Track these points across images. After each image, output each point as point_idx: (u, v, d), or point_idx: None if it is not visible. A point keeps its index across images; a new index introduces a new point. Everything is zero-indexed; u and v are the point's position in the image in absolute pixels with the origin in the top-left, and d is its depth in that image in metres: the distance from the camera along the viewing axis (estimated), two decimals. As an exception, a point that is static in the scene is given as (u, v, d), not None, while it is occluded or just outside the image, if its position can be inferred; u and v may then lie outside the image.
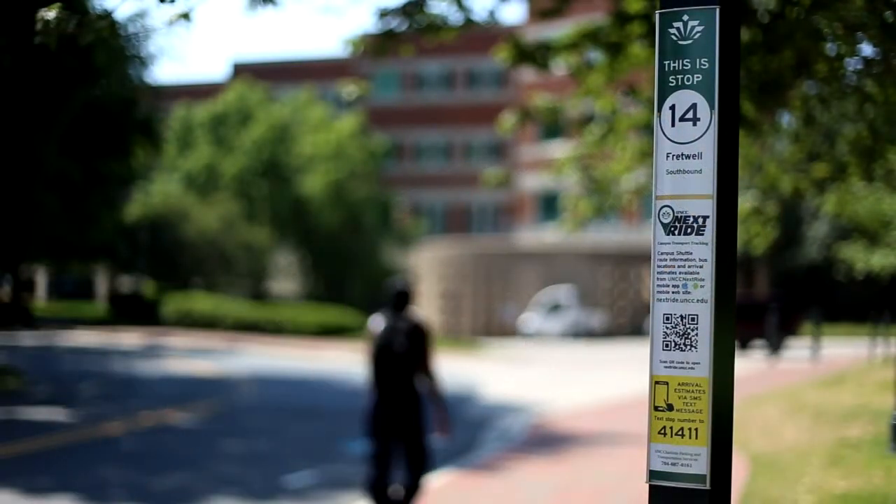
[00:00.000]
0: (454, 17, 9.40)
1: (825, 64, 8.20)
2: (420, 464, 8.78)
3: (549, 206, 53.68)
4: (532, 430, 16.22)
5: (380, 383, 8.62)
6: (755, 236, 13.17)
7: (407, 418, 8.65)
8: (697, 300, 2.76)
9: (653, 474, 2.81)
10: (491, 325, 47.15)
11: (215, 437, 15.51)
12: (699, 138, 2.77)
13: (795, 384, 21.35)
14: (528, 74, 49.74)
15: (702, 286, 2.75)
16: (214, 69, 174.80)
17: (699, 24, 2.77)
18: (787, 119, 12.73)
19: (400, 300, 8.71)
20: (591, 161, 12.94)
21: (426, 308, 47.67)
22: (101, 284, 60.42)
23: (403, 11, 9.19)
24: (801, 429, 14.48)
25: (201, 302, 48.48)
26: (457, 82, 66.14)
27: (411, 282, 8.58)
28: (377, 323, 8.72)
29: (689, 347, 2.77)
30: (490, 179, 14.26)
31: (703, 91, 2.76)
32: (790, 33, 7.60)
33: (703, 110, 2.77)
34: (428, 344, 8.69)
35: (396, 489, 8.78)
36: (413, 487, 8.79)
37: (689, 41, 2.78)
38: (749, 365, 26.02)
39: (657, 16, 2.83)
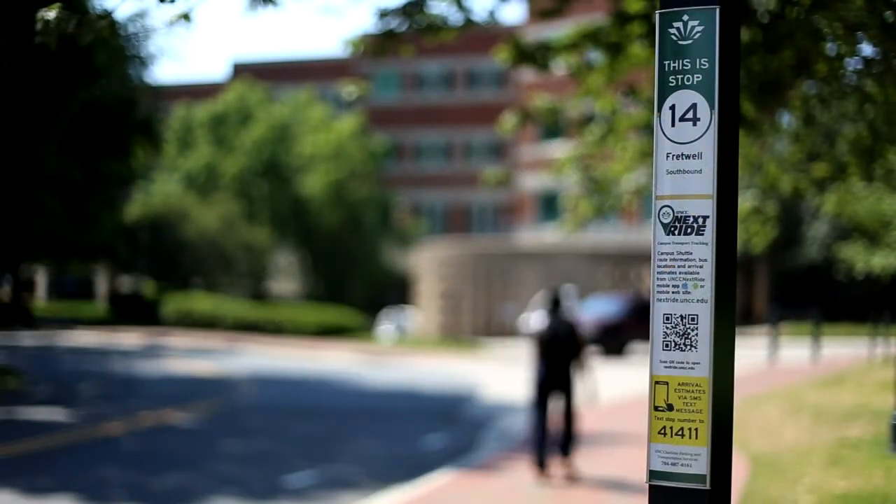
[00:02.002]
0: (454, 17, 9.40)
1: (825, 64, 8.20)
2: (571, 422, 11.68)
3: (549, 206, 53.67)
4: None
5: (548, 364, 11.60)
6: (755, 236, 13.17)
7: (566, 388, 11.62)
8: (697, 300, 2.76)
9: (653, 474, 2.81)
10: (491, 325, 47.13)
11: (215, 437, 15.51)
12: (699, 138, 2.77)
13: (795, 384, 21.35)
14: (528, 75, 49.73)
15: (702, 286, 2.75)
16: (214, 69, 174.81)
17: (699, 24, 2.77)
18: (787, 119, 12.73)
19: (557, 303, 11.73)
20: (591, 161, 12.93)
21: (426, 308, 47.67)
22: (101, 284, 60.42)
23: (403, 12, 9.19)
24: (801, 429, 14.48)
25: (201, 302, 48.47)
26: (457, 82, 66.13)
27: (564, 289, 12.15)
28: (540, 319, 11.75)
29: (689, 347, 2.77)
30: (490, 179, 14.24)
31: (703, 91, 2.76)
32: (790, 33, 7.60)
33: (703, 110, 2.77)
34: (580, 337, 11.69)
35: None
36: (568, 437, 11.68)
37: (689, 41, 2.78)
38: (749, 365, 26.02)
39: (657, 16, 2.83)
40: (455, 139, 66.15)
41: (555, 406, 11.72)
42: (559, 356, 11.62)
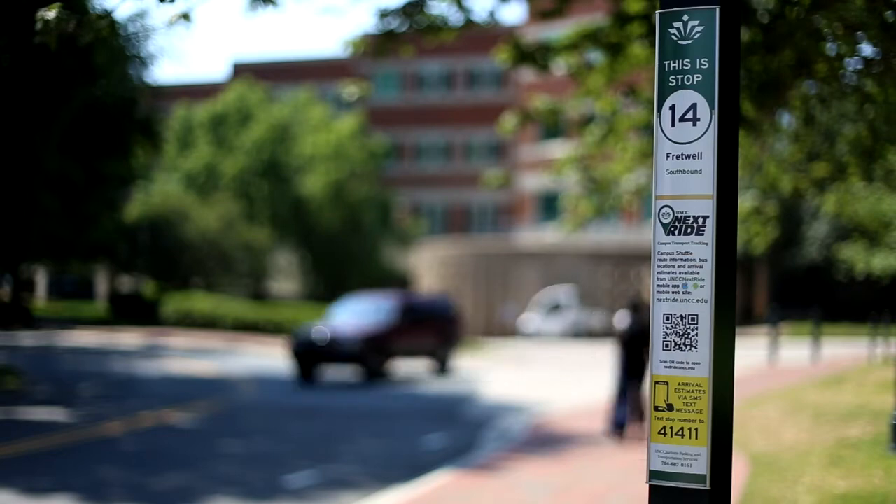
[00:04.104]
0: (454, 17, 9.41)
1: (825, 64, 8.20)
2: (639, 407, 14.54)
3: (549, 206, 53.69)
4: (532, 430, 16.22)
5: (626, 357, 14.48)
6: (755, 236, 13.18)
7: (637, 378, 14.42)
8: (697, 300, 2.76)
9: (653, 474, 2.81)
10: (491, 325, 47.15)
11: (215, 437, 15.50)
12: (699, 138, 2.77)
13: (795, 384, 21.35)
14: (528, 75, 49.74)
15: (702, 286, 2.75)
16: (214, 69, 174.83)
17: (699, 24, 2.77)
18: (787, 119, 12.73)
19: (635, 307, 14.73)
20: (591, 161, 12.94)
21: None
22: (101, 284, 60.40)
23: (403, 12, 9.19)
24: (801, 429, 14.48)
25: (201, 302, 48.45)
26: (457, 82, 66.14)
27: (642, 295, 16.42)
28: (623, 319, 14.77)
29: (689, 347, 2.77)
30: (491, 181, 14.24)
31: (703, 91, 2.76)
32: (790, 33, 7.60)
33: (703, 110, 2.77)
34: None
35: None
36: (637, 417, 14.54)
37: (689, 41, 2.78)
38: (749, 365, 26.03)
39: (657, 16, 2.83)
40: (455, 139, 66.16)
41: (632, 392, 14.47)
42: (635, 350, 14.41)
